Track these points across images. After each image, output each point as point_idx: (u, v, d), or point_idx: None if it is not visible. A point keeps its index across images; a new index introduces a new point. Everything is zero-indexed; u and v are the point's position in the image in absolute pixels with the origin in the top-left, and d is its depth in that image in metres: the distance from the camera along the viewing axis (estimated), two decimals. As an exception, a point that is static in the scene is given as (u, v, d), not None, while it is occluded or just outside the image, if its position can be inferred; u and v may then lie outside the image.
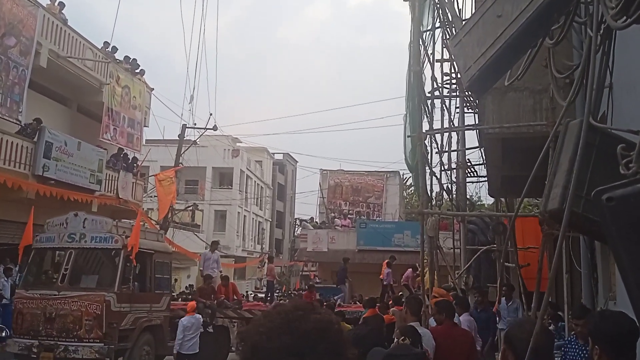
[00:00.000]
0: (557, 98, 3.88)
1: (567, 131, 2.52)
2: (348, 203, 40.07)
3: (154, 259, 12.48)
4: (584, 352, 5.19)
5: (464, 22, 4.16)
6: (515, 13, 2.79)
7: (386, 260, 19.09)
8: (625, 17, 2.16)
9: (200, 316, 11.86)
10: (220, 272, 16.41)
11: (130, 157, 20.07)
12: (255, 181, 46.97)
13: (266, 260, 25.24)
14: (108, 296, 10.72)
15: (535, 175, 4.25)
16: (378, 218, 37.44)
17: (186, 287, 27.04)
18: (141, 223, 16.31)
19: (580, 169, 2.30)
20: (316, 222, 36.91)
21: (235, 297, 15.38)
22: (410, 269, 17.82)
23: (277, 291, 31.20)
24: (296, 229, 45.73)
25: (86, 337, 10.45)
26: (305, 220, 38.62)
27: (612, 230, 1.26)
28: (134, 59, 20.26)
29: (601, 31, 2.49)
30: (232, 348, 15.97)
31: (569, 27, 3.19)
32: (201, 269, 15.78)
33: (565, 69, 4.42)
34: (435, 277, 9.98)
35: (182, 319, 11.32)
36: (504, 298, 11.14)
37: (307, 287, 19.47)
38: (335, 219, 34.38)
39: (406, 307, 6.92)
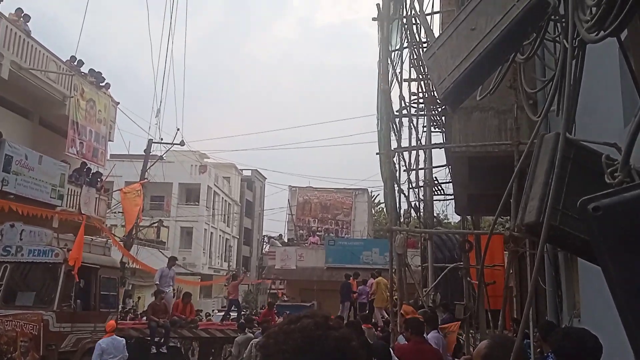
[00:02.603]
0: (528, 112, 3.94)
1: (542, 144, 2.53)
2: (317, 220, 40.04)
3: (99, 275, 11.85)
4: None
5: (437, 36, 4.20)
6: (489, 26, 2.81)
7: (354, 278, 19.11)
8: (599, 31, 2.18)
9: (123, 339, 10.27)
10: (174, 290, 15.95)
11: (93, 171, 19.61)
12: (222, 197, 46.52)
13: (230, 278, 24.81)
14: (46, 315, 10.09)
15: (501, 194, 4.28)
16: (347, 235, 37.47)
17: (150, 305, 26.38)
18: (104, 239, 15.91)
19: (557, 182, 2.30)
20: (284, 240, 36.68)
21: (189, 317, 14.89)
22: (372, 278, 17.94)
23: (244, 310, 30.77)
24: (264, 246, 45.38)
25: None
26: (274, 238, 38.35)
27: (599, 240, 1.22)
28: (98, 72, 19.91)
29: (575, 43, 2.52)
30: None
31: (540, 43, 3.23)
32: (157, 283, 15.20)
33: (533, 87, 4.50)
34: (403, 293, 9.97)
35: (99, 341, 9.91)
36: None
37: (267, 304, 19.07)
38: (309, 237, 34.25)
39: None
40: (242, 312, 18.74)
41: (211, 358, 15.21)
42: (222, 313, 23.53)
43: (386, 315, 15.56)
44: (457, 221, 23.88)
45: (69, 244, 11.32)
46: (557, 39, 3.08)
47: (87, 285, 11.50)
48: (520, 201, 2.72)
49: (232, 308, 17.59)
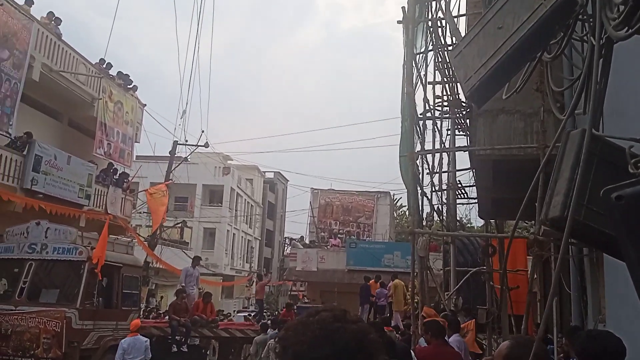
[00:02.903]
0: (555, 112, 3.92)
1: (568, 140, 2.54)
2: (338, 222, 40.00)
3: (121, 273, 11.88)
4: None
5: (464, 35, 4.21)
6: (516, 25, 2.83)
7: (375, 281, 19.07)
8: (626, 28, 2.18)
9: (146, 339, 10.27)
10: (200, 289, 16.06)
11: (119, 172, 19.93)
12: (245, 199, 46.83)
13: (255, 280, 24.93)
14: (69, 312, 10.13)
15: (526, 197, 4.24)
16: (368, 238, 37.35)
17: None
18: (128, 238, 16.15)
19: (582, 177, 2.31)
20: (306, 242, 36.73)
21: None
22: (392, 282, 17.89)
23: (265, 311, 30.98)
24: (285, 248, 45.53)
25: (44, 356, 9.82)
26: (295, 239, 38.44)
27: (621, 228, 1.24)
28: (126, 74, 20.26)
29: (603, 41, 2.52)
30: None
31: (568, 41, 3.23)
32: (183, 284, 15.34)
33: (560, 86, 4.47)
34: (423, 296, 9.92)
35: (122, 341, 9.97)
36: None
37: (285, 305, 19.12)
38: (330, 240, 34.26)
39: None
40: (265, 312, 18.89)
41: (231, 357, 15.31)
42: (242, 314, 23.71)
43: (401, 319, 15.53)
44: (480, 225, 23.67)
45: (93, 242, 11.38)
46: (585, 37, 3.07)
47: (109, 284, 11.54)
48: (543, 204, 2.72)
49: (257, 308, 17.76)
